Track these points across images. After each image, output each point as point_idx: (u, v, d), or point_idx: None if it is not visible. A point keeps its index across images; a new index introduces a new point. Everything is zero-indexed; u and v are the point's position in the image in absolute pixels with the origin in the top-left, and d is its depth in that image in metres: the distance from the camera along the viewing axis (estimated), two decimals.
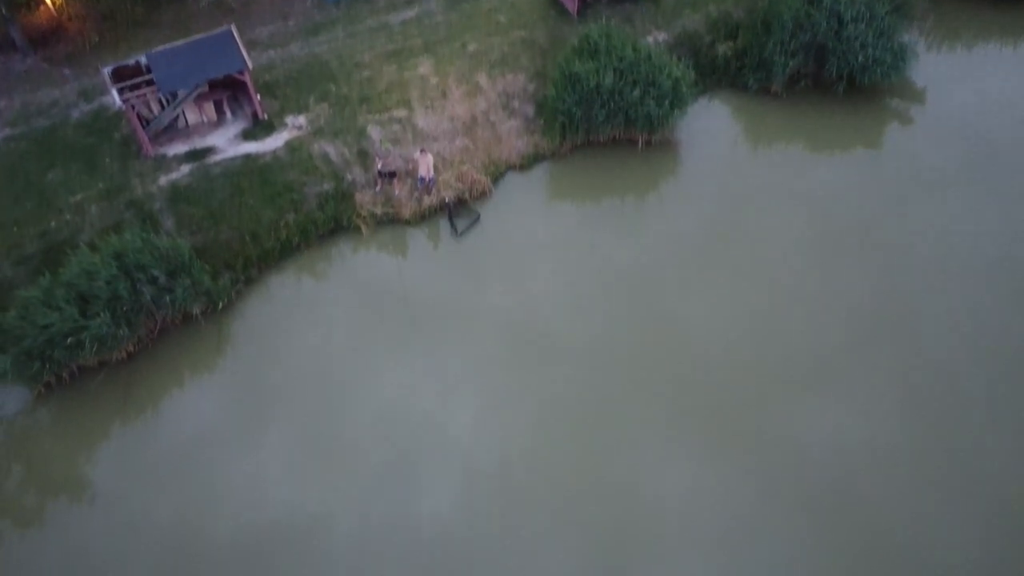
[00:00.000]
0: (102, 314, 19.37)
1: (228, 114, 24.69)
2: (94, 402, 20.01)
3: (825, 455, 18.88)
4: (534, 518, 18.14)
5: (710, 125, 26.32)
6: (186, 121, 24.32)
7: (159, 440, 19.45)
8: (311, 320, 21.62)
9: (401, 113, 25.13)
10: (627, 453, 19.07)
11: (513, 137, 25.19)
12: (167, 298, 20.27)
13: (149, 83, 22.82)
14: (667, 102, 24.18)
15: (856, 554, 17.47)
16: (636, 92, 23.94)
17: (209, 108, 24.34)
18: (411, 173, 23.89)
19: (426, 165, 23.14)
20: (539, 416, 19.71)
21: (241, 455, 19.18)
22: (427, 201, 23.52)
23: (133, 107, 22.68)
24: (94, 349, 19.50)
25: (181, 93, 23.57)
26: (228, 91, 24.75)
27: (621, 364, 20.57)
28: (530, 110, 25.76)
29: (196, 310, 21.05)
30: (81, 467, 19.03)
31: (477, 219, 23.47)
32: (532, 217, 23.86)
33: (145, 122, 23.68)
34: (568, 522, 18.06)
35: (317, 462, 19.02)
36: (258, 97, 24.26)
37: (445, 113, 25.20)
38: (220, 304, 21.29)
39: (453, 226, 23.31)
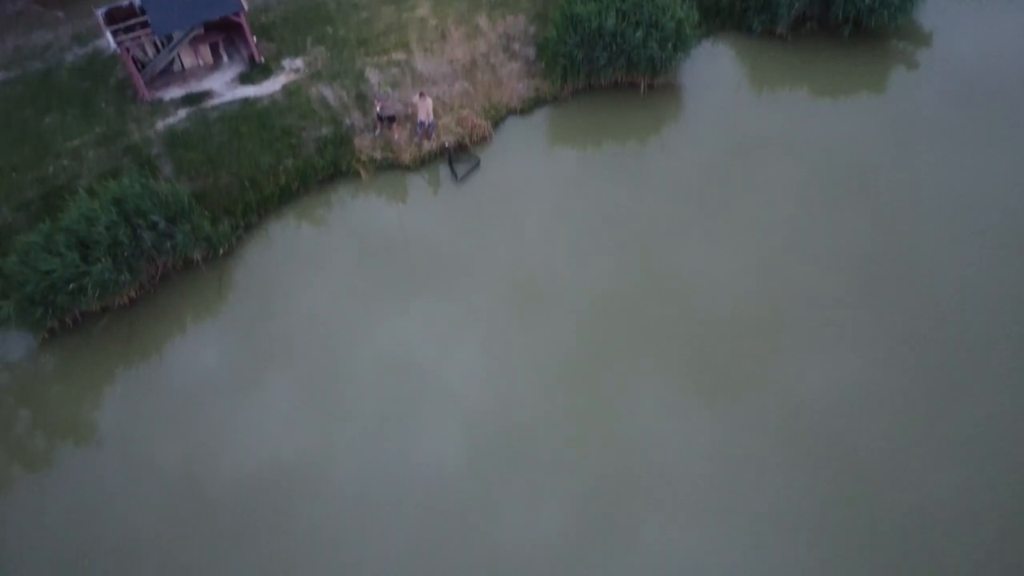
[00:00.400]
0: (103, 260, 19.38)
1: (224, 57, 24.34)
2: (98, 347, 20.14)
3: (823, 405, 19.01)
4: (532, 464, 18.36)
5: (713, 69, 26.02)
6: (182, 65, 23.99)
7: (162, 385, 19.60)
8: (311, 266, 21.62)
9: (400, 56, 24.78)
10: (625, 401, 19.22)
11: (514, 80, 24.88)
12: (167, 244, 20.25)
13: (144, 25, 22.46)
14: (670, 45, 23.83)
15: (852, 503, 17.64)
16: (639, 34, 23.56)
17: (205, 51, 23.98)
18: (410, 117, 23.68)
19: (425, 109, 22.89)
20: (538, 364, 19.82)
21: (243, 400, 19.34)
22: (427, 146, 23.32)
23: (128, 50, 22.34)
24: (96, 295, 19.56)
25: (176, 36, 23.21)
26: (224, 34, 24.38)
27: (620, 312, 20.61)
28: (531, 52, 25.40)
29: (197, 256, 21.04)
30: (87, 411, 19.22)
31: (477, 164, 23.31)
32: (533, 162, 23.69)
33: (140, 65, 23.37)
34: (566, 469, 18.27)
35: (318, 407, 19.19)
36: (254, 40, 23.88)
37: (444, 56, 24.86)
38: (220, 250, 21.27)
39: (453, 172, 23.17)
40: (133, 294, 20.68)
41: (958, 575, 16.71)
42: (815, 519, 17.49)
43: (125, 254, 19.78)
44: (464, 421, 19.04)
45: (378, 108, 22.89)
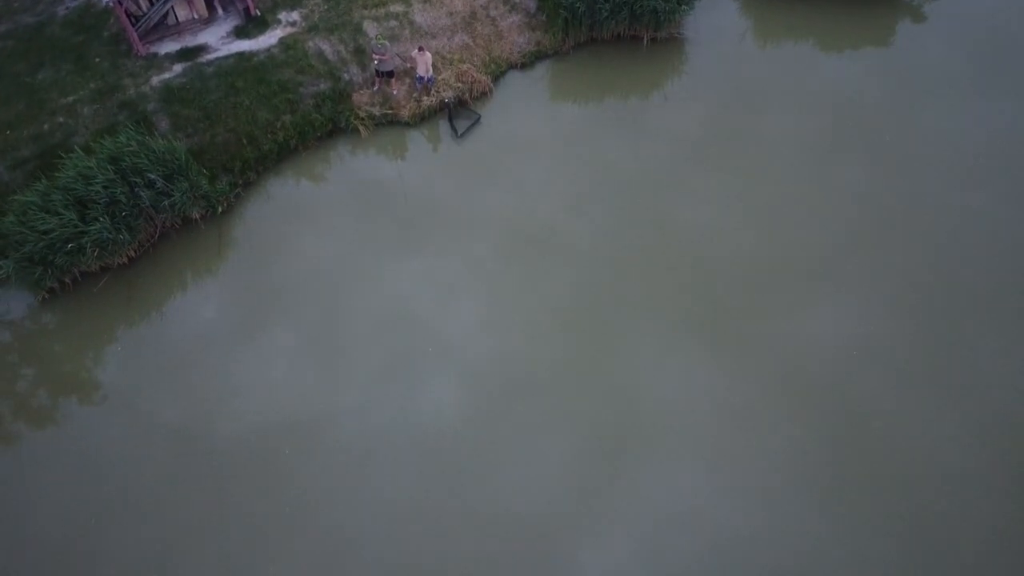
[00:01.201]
0: (101, 219, 19.23)
1: (219, 10, 23.88)
2: (98, 306, 20.11)
3: (825, 353, 19.04)
4: (531, 413, 18.45)
5: (718, 21, 25.51)
6: (176, 18, 23.52)
7: (164, 342, 19.60)
8: (311, 223, 21.48)
9: (398, 8, 24.29)
10: (626, 351, 19.24)
11: (514, 33, 24.43)
12: (165, 202, 20.06)
13: None
14: None
15: (853, 451, 17.75)
16: None
17: (199, 4, 23.51)
18: (409, 72, 23.32)
19: (424, 64, 22.49)
20: (538, 313, 19.83)
21: (245, 357, 19.37)
22: (426, 101, 22.99)
23: (121, 3, 21.87)
24: (95, 254, 19.47)
25: None
26: None
27: (621, 263, 20.54)
28: (532, 4, 24.89)
29: (195, 214, 20.94)
30: (89, 369, 19.27)
31: (478, 120, 23.02)
32: (534, 117, 23.38)
33: (134, 19, 22.93)
34: (565, 418, 18.37)
35: (320, 362, 19.25)
36: None
37: (443, 8, 24.37)
38: (219, 208, 21.10)
39: (453, 128, 22.89)
40: (132, 253, 20.55)
41: (960, 523, 16.84)
42: (816, 467, 17.61)
43: (123, 213, 19.62)
44: (463, 368, 19.10)
45: (376, 62, 22.51)
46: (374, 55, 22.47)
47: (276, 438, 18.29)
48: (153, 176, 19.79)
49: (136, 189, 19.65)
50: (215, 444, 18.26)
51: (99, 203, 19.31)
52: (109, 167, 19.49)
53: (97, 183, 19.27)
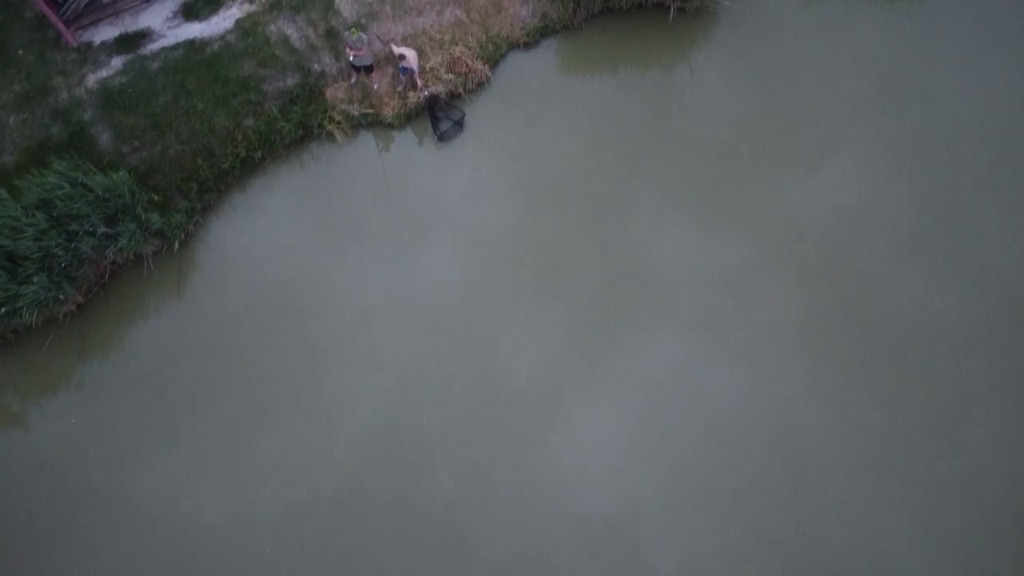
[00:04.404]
0: (37, 277, 16.59)
1: None
2: (46, 365, 17.77)
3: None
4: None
5: None
6: None
7: (121, 408, 17.52)
8: (284, 250, 18.66)
9: None
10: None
11: (516, 3, 20.42)
12: (111, 248, 17.33)
13: None
14: None
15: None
16: None
17: None
18: (391, 60, 19.65)
19: (410, 61, 18.87)
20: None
21: (214, 401, 17.34)
22: (413, 98, 19.53)
23: None
24: (34, 315, 17.00)
25: None
26: None
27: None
28: None
29: (148, 251, 18.16)
30: (37, 446, 17.24)
31: (462, 119, 19.64)
32: (539, 114, 19.87)
33: (61, 0, 19.10)
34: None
35: (297, 419, 17.28)
36: None
37: None
38: (176, 243, 18.30)
39: (435, 127, 19.58)
40: (81, 298, 18.00)
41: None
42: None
43: (63, 264, 16.95)
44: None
45: (351, 57, 18.87)
46: (348, 49, 18.79)
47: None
48: (93, 221, 16.93)
49: (74, 239, 16.86)
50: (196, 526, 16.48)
51: (32, 258, 16.60)
52: (39, 215, 16.58)
53: (27, 236, 16.46)
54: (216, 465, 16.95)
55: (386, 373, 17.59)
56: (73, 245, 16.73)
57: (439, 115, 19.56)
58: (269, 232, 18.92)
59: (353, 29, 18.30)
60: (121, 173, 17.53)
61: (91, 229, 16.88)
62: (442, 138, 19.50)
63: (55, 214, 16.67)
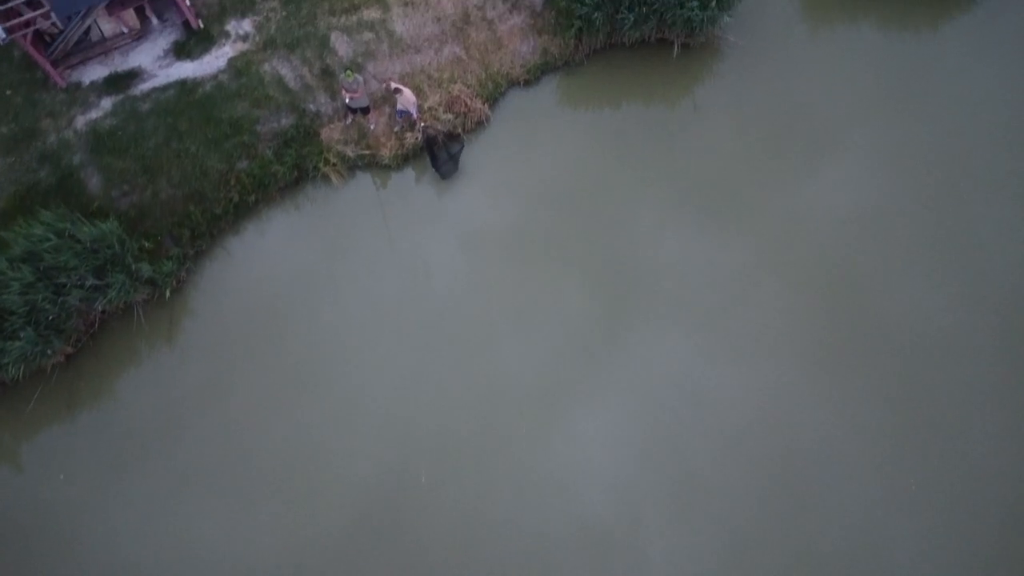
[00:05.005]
0: (24, 331, 16.11)
1: (153, 20, 19.29)
2: (34, 420, 17.27)
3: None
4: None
5: (768, 18, 20.94)
6: (101, 32, 19.03)
7: (111, 462, 17.02)
8: (277, 291, 18.14)
9: (373, 14, 19.62)
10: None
11: (516, 39, 19.93)
12: (100, 301, 16.85)
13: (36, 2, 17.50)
14: (713, 2, 18.72)
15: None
16: None
17: (128, 15, 18.91)
18: (388, 99, 19.12)
19: (405, 101, 18.36)
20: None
21: (207, 453, 16.80)
22: (410, 139, 19.03)
23: (26, 37, 17.49)
24: (21, 370, 16.52)
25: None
26: None
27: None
28: (537, 0, 20.24)
29: (139, 299, 17.69)
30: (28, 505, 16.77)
31: (460, 150, 19.00)
32: (539, 155, 19.37)
33: (49, 39, 18.58)
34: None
35: (296, 467, 16.68)
36: (188, 3, 18.76)
37: (429, 12, 19.70)
38: (167, 290, 17.83)
39: (435, 165, 19.02)
40: (70, 348, 17.55)
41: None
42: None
43: (50, 317, 16.47)
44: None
45: (347, 99, 18.38)
46: (344, 92, 18.29)
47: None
48: (82, 273, 16.44)
49: (62, 292, 16.38)
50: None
51: (18, 312, 16.12)
52: (25, 268, 16.08)
53: (13, 291, 15.97)
54: (211, 518, 16.51)
55: (388, 433, 17.12)
56: (61, 299, 16.23)
57: (438, 153, 19.07)
58: (264, 277, 18.41)
59: (348, 71, 17.77)
60: (110, 223, 17.04)
61: (79, 282, 16.38)
62: (443, 176, 19.02)
63: (42, 267, 16.17)
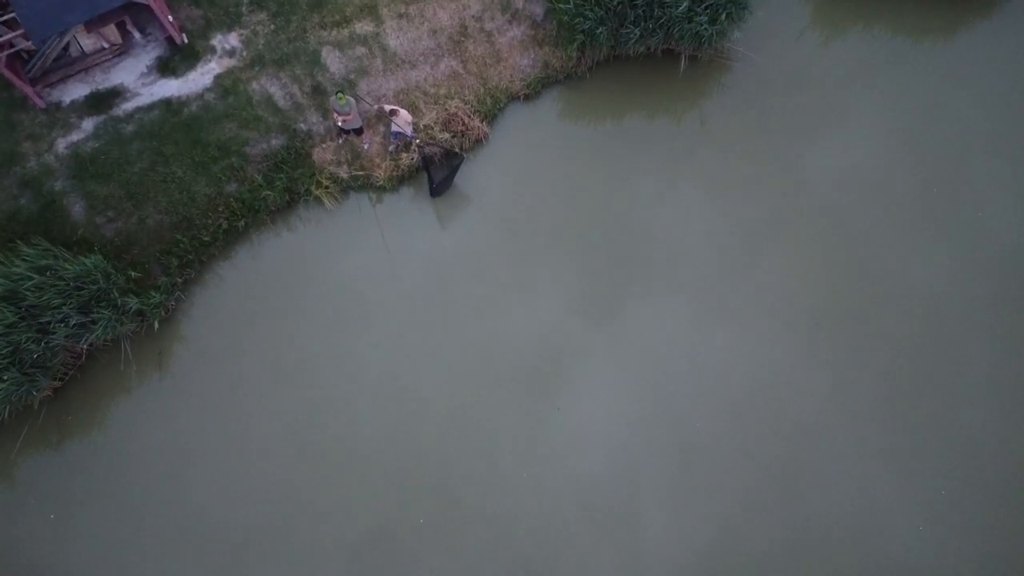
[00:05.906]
0: (7, 373, 15.55)
1: (136, 34, 18.34)
2: (22, 460, 16.86)
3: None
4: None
5: (778, 30, 20.02)
6: (81, 48, 18.14)
7: (100, 489, 16.63)
8: (273, 324, 17.65)
9: (365, 27, 18.70)
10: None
11: (515, 52, 19.06)
12: (86, 338, 16.29)
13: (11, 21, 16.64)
14: (723, 16, 17.85)
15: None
16: (683, 5, 17.55)
17: (110, 30, 17.97)
18: (382, 118, 18.34)
19: (402, 121, 17.58)
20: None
21: (200, 486, 16.55)
22: (406, 159, 18.30)
23: (0, 60, 16.66)
24: (6, 410, 16.02)
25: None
26: (130, 8, 18.08)
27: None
28: (538, 10, 19.26)
29: (127, 331, 17.11)
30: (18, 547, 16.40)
31: (459, 164, 18.27)
32: (540, 173, 18.68)
33: (27, 55, 17.72)
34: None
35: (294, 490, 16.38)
36: (170, 18, 17.84)
37: (424, 25, 18.79)
38: (156, 321, 17.29)
39: (431, 184, 18.32)
40: (56, 383, 17.01)
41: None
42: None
43: (35, 356, 15.93)
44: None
45: (339, 122, 17.61)
46: (336, 115, 17.49)
47: None
48: (66, 311, 15.86)
49: (46, 331, 15.80)
50: None
51: (1, 354, 15.54)
52: (6, 308, 15.47)
53: None
54: (204, 555, 16.23)
55: (389, 466, 16.76)
56: (45, 338, 15.67)
57: (434, 174, 18.34)
58: (256, 302, 17.83)
59: (340, 94, 16.93)
60: (94, 257, 16.38)
61: (64, 319, 15.82)
62: (434, 194, 18.32)
63: (24, 306, 15.60)
